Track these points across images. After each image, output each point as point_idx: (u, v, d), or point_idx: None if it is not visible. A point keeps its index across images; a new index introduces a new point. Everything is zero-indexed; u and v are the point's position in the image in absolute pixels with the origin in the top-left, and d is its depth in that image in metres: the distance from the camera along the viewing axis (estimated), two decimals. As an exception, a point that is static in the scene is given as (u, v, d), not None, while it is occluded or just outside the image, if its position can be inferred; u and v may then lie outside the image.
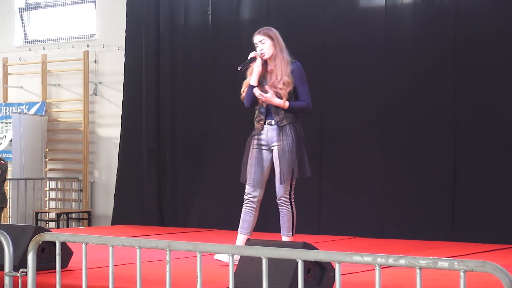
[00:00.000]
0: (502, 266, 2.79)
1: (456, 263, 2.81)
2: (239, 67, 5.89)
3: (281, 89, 5.76)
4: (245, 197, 5.91)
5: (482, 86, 7.96)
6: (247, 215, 5.89)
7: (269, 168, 5.87)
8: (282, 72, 5.79)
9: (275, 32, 5.93)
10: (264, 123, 5.86)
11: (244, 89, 5.98)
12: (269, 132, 5.84)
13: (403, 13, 8.40)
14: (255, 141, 5.89)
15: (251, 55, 5.89)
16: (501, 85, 7.87)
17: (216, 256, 5.74)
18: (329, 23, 8.81)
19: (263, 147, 5.87)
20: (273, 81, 5.81)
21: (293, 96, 5.82)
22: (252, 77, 5.88)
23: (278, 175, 5.78)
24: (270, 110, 5.83)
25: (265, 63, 5.90)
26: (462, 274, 2.83)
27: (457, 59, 8.06)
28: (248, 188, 5.89)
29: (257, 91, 5.78)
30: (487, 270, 2.76)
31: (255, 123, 5.94)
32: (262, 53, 5.85)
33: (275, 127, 5.80)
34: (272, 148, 5.84)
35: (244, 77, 6.02)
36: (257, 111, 5.92)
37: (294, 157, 5.74)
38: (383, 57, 8.44)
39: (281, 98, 5.76)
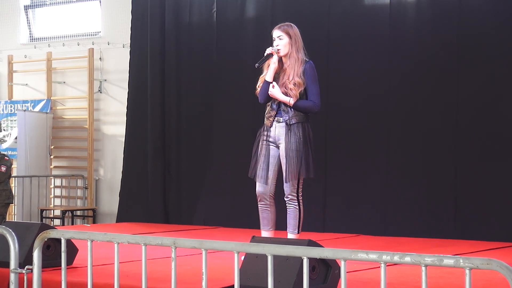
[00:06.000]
0: (507, 263, 2.79)
1: (461, 261, 2.81)
2: (256, 64, 5.88)
3: (291, 89, 5.76)
4: (257, 195, 5.92)
5: (484, 83, 7.95)
6: (264, 212, 5.91)
7: (277, 164, 5.86)
8: (294, 73, 5.78)
9: (295, 31, 5.89)
10: (273, 120, 5.85)
11: (259, 84, 5.96)
12: (277, 129, 5.83)
13: (407, 10, 8.40)
14: (264, 137, 5.89)
15: (268, 51, 5.85)
16: (504, 82, 7.86)
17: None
18: (335, 20, 8.80)
19: (271, 144, 5.87)
20: (284, 81, 5.81)
21: (304, 95, 5.81)
22: (268, 73, 5.86)
23: (284, 173, 5.78)
24: (280, 108, 5.82)
25: (280, 59, 5.88)
26: (467, 271, 2.83)
27: (460, 56, 8.05)
28: (257, 186, 5.89)
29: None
30: (493, 268, 2.76)
31: (265, 119, 5.93)
32: (278, 50, 5.83)
33: (283, 124, 5.80)
34: (279, 145, 5.83)
35: (260, 72, 6.00)
36: (268, 107, 5.91)
37: (300, 156, 5.73)
38: (387, 53, 8.44)
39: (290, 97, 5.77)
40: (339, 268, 4.36)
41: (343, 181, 8.68)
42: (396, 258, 2.97)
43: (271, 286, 3.31)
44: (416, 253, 2.95)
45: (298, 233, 5.85)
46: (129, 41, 10.53)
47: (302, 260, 3.26)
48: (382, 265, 3.03)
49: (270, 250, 3.31)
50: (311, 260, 4.10)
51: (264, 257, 3.35)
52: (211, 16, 9.72)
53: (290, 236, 5.85)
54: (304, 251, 3.25)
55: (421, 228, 8.08)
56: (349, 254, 3.10)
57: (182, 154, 9.95)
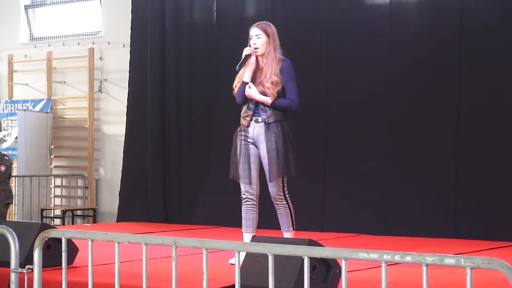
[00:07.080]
0: (508, 263, 2.79)
1: (462, 260, 2.81)
2: (237, 67, 5.83)
3: (268, 88, 5.71)
4: (243, 195, 5.86)
5: (485, 83, 7.94)
6: (249, 213, 5.84)
7: (258, 163, 5.81)
8: (272, 71, 5.74)
9: (273, 30, 5.88)
10: (251, 120, 5.80)
11: (236, 84, 5.92)
12: (255, 129, 5.78)
13: (408, 8, 8.39)
14: (242, 137, 5.83)
15: (245, 52, 5.82)
16: (505, 82, 7.85)
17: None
18: (334, 19, 8.80)
19: (250, 143, 5.81)
20: (261, 80, 5.77)
21: (282, 93, 5.77)
22: (246, 74, 5.82)
23: (267, 173, 5.74)
24: (258, 107, 5.78)
25: (256, 59, 5.85)
26: (468, 271, 2.83)
27: (461, 55, 8.04)
28: (243, 186, 5.84)
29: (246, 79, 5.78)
30: (494, 267, 2.76)
31: (242, 119, 5.88)
32: (255, 49, 5.81)
33: (261, 124, 5.75)
34: (258, 144, 5.78)
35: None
36: (245, 107, 5.85)
37: (281, 155, 5.69)
38: (387, 52, 8.43)
39: (268, 96, 5.72)
40: (339, 267, 4.36)
41: (343, 181, 8.68)
42: (397, 258, 2.96)
43: (271, 286, 3.31)
44: (417, 252, 2.95)
45: (294, 229, 5.85)
46: (129, 41, 10.53)
47: (302, 259, 3.25)
48: (383, 264, 3.03)
49: (271, 250, 3.31)
50: (312, 260, 4.10)
51: (265, 256, 3.35)
52: (211, 16, 9.71)
53: (287, 234, 5.84)
54: (305, 250, 3.25)
55: (421, 228, 8.07)
56: (350, 253, 3.10)
57: (182, 154, 9.94)
